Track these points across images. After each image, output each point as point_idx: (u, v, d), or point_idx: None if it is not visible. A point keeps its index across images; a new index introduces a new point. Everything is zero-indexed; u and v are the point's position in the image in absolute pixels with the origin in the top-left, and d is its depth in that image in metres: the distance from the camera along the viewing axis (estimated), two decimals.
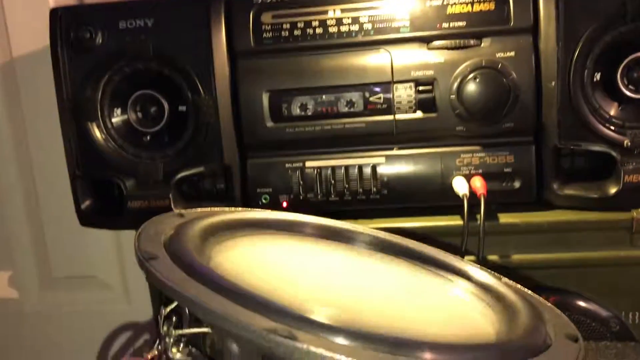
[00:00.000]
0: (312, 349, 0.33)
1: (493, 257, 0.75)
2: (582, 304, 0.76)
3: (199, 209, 0.54)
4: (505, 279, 0.52)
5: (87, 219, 0.83)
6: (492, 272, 0.53)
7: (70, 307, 1.11)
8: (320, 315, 0.36)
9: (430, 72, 0.75)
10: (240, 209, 0.56)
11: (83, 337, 1.08)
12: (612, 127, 0.73)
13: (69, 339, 1.11)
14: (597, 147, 0.73)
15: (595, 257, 0.74)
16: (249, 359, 0.37)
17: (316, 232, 0.57)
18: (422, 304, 0.47)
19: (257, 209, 0.58)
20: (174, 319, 0.43)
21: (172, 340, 0.41)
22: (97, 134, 0.80)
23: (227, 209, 0.55)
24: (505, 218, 0.75)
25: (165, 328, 0.43)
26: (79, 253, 1.08)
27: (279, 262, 0.50)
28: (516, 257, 0.75)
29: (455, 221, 0.76)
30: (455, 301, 0.49)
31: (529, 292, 0.50)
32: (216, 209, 0.55)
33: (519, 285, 0.51)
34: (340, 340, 0.35)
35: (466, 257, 0.66)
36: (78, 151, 0.81)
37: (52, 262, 1.12)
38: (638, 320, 0.75)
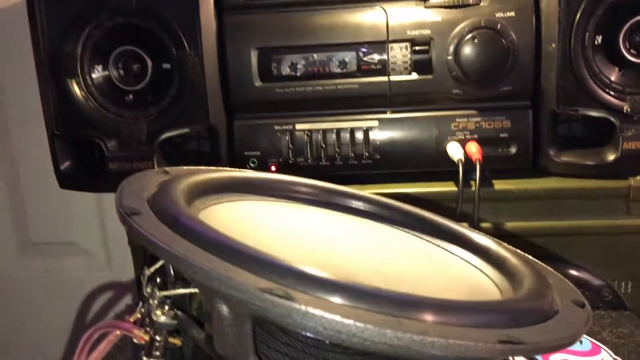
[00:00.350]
0: (311, 310, 0.30)
1: (486, 224, 0.73)
2: (574, 272, 0.74)
3: (184, 167, 0.51)
4: (506, 245, 0.50)
5: (67, 180, 0.80)
6: (493, 237, 0.50)
7: (50, 273, 1.08)
8: (316, 275, 0.33)
9: (426, 32, 0.72)
10: (229, 168, 0.53)
11: (62, 304, 1.05)
12: (612, 93, 0.71)
13: (48, 305, 1.08)
14: (596, 113, 0.71)
15: (590, 225, 0.73)
16: (239, 321, 0.34)
17: (309, 194, 0.54)
18: (423, 267, 0.45)
19: (247, 170, 0.55)
20: (158, 280, 0.41)
21: (156, 302, 0.39)
22: (77, 91, 0.76)
23: (214, 168, 0.52)
24: (500, 184, 0.73)
25: (148, 289, 0.40)
26: (58, 218, 1.05)
27: (270, 225, 0.47)
28: (510, 224, 0.73)
29: (449, 187, 0.74)
30: (456, 265, 0.47)
31: (531, 257, 0.48)
32: (203, 167, 0.52)
33: (520, 251, 0.49)
34: (340, 300, 0.32)
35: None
36: (57, 109, 0.77)
37: (31, 228, 1.08)
38: (631, 289, 0.74)
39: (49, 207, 1.04)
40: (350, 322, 0.30)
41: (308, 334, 0.32)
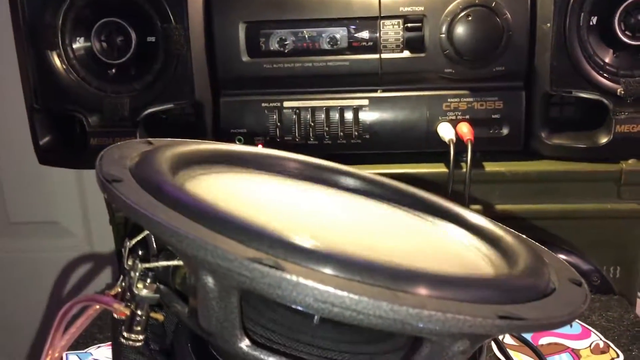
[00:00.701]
0: (302, 280, 0.29)
1: (477, 206, 0.72)
2: (564, 257, 0.73)
3: (169, 139, 0.49)
4: (500, 224, 0.48)
5: (47, 156, 0.77)
6: (485, 216, 0.49)
7: (30, 253, 1.05)
8: (308, 245, 0.32)
9: (420, 9, 0.70)
10: (215, 142, 0.51)
11: (42, 285, 1.03)
12: (606, 75, 0.70)
13: (28, 286, 1.05)
14: (589, 95, 0.70)
15: (581, 209, 0.72)
16: (225, 294, 0.32)
17: (298, 170, 0.52)
18: (416, 244, 0.44)
19: (234, 144, 0.53)
20: (139, 252, 0.39)
21: (137, 274, 0.37)
22: (58, 63, 0.73)
23: (200, 140, 0.50)
24: (491, 166, 0.72)
25: (129, 262, 0.38)
26: (38, 197, 1.02)
27: (258, 198, 0.45)
28: (500, 206, 0.72)
29: (439, 168, 0.72)
30: (450, 242, 0.45)
31: (524, 237, 0.47)
32: (189, 140, 0.50)
33: (514, 231, 0.47)
34: (333, 272, 0.31)
35: None
36: (36, 82, 0.74)
37: (10, 207, 1.05)
38: (619, 274, 0.73)
39: (28, 185, 1.01)
40: (344, 293, 0.29)
41: (298, 308, 0.30)
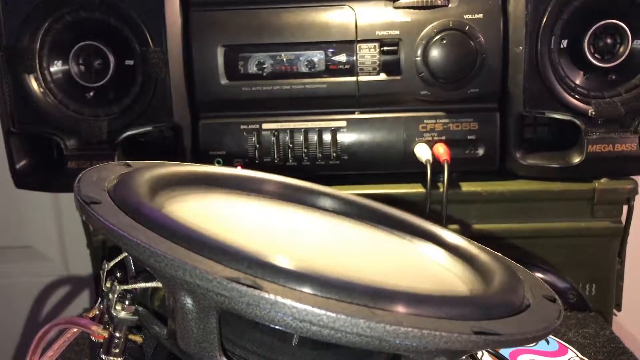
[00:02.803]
0: (280, 299, 0.29)
1: (454, 226, 0.72)
2: (540, 275, 0.74)
3: (147, 161, 0.49)
4: (475, 243, 0.49)
5: (23, 180, 0.77)
6: (461, 235, 0.50)
7: (4, 279, 1.03)
8: (285, 265, 0.32)
9: (395, 32, 0.72)
10: (192, 164, 0.51)
11: (17, 309, 1.01)
12: (577, 96, 0.71)
13: (3, 310, 1.04)
14: (562, 116, 0.72)
15: (555, 227, 0.73)
16: (204, 315, 0.32)
17: (276, 191, 0.52)
18: (392, 264, 0.44)
19: (212, 165, 0.53)
20: (118, 274, 0.39)
21: (115, 296, 0.37)
22: (35, 87, 0.73)
23: (178, 162, 0.51)
24: (467, 186, 0.73)
25: (107, 284, 0.38)
26: (13, 221, 1.01)
27: (235, 219, 0.46)
28: (477, 226, 0.73)
29: (417, 189, 0.73)
30: (425, 261, 0.46)
31: (500, 254, 0.48)
32: (166, 162, 0.50)
33: (489, 249, 0.48)
34: (311, 291, 0.31)
35: None
36: (13, 105, 0.73)
37: None
38: (595, 291, 0.74)
39: (3, 208, 1.00)
40: (322, 312, 0.29)
41: (277, 327, 0.30)
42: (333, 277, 0.32)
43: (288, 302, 0.29)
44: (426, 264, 0.45)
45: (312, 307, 0.29)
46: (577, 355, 0.59)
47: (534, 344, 0.61)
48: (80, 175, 0.40)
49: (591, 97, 0.71)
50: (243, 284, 0.29)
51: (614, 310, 0.77)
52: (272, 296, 0.29)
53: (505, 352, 0.58)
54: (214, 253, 0.32)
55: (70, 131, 0.73)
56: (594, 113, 0.70)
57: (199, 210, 0.43)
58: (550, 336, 0.62)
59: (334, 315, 0.29)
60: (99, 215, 0.34)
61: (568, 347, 0.60)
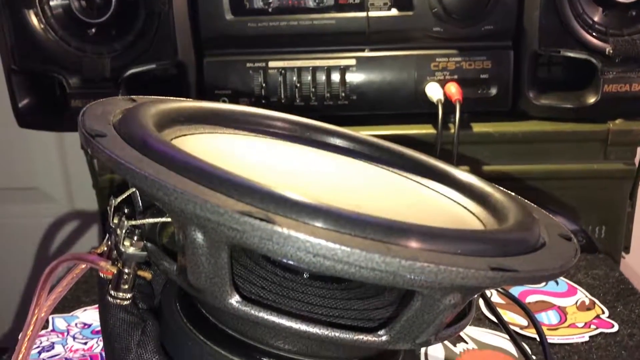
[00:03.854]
0: (294, 233, 0.28)
1: (465, 167, 0.71)
2: None
3: (152, 96, 0.47)
4: (488, 182, 0.48)
5: (26, 119, 0.75)
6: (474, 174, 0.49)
7: (10, 219, 1.03)
8: (298, 199, 0.31)
9: None
10: (200, 100, 0.50)
11: (24, 249, 1.02)
12: (595, 34, 0.69)
13: (11, 250, 1.04)
14: (577, 54, 0.69)
15: (567, 169, 0.72)
16: (215, 250, 0.32)
17: (286, 129, 0.51)
18: (404, 203, 0.43)
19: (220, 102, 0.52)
20: (125, 210, 0.38)
21: (123, 232, 0.36)
22: (35, 22, 0.71)
23: (185, 99, 0.49)
24: (478, 127, 0.72)
25: (115, 220, 0.37)
26: (18, 162, 1.00)
27: (245, 157, 0.44)
28: (488, 167, 0.72)
29: (427, 129, 0.72)
30: (438, 199, 0.45)
31: (513, 194, 0.47)
32: (173, 98, 0.48)
33: (502, 188, 0.47)
34: (324, 226, 0.30)
35: None
36: (13, 42, 0.72)
37: None
38: (604, 234, 0.74)
39: (7, 149, 0.99)
40: (337, 246, 0.28)
41: (289, 262, 0.30)
42: (347, 212, 0.31)
43: (302, 236, 0.28)
44: (439, 202, 0.44)
45: (327, 242, 0.28)
46: (586, 296, 0.59)
47: (543, 284, 0.61)
48: (84, 109, 0.39)
49: (609, 35, 0.69)
50: (256, 218, 0.28)
51: (623, 254, 0.77)
52: (285, 230, 0.28)
53: (514, 292, 0.58)
54: (225, 187, 0.31)
55: (72, 69, 0.72)
56: (611, 51, 0.68)
57: (207, 148, 0.42)
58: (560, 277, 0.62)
59: (348, 249, 0.28)
60: (105, 148, 0.33)
61: (577, 288, 0.60)
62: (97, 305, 0.59)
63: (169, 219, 0.35)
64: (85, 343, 0.54)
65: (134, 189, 0.39)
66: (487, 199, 0.44)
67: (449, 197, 0.46)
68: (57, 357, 0.52)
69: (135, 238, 0.36)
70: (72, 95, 0.72)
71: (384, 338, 0.34)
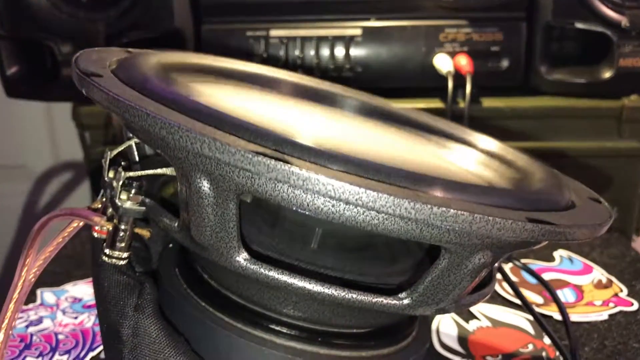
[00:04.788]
0: (314, 175, 0.25)
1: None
2: None
3: (151, 50, 0.44)
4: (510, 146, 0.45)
5: (15, 88, 0.72)
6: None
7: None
8: (315, 144, 0.28)
9: None
10: (202, 54, 0.47)
11: (12, 230, 0.98)
12: (611, 5, 0.66)
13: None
14: (592, 27, 0.67)
15: (580, 147, 0.69)
16: (223, 199, 0.29)
17: (297, 89, 0.48)
18: (425, 159, 0.40)
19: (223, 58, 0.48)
20: (122, 163, 0.35)
21: (120, 184, 0.33)
22: None
23: (186, 53, 0.46)
24: (489, 102, 0.69)
25: (110, 174, 0.34)
26: (5, 139, 0.96)
27: (254, 108, 0.41)
28: None
29: (435, 104, 0.69)
30: (462, 159, 0.42)
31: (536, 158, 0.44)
32: (173, 51, 0.45)
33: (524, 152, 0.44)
34: (345, 170, 0.27)
35: None
36: (2, 6, 0.68)
37: None
38: (617, 213, 0.71)
39: None
40: (361, 189, 0.25)
41: (305, 212, 0.27)
42: (369, 160, 0.28)
43: (322, 177, 0.25)
44: (463, 162, 0.42)
45: (351, 184, 0.25)
46: (603, 274, 0.56)
47: (557, 261, 0.58)
48: (77, 54, 0.36)
49: (625, 7, 0.66)
50: (271, 157, 0.25)
51: (634, 236, 0.74)
52: (304, 171, 0.25)
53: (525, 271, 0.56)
54: (234, 129, 0.28)
55: (64, 36, 0.68)
56: (627, 24, 0.66)
57: (212, 96, 0.39)
58: (574, 255, 0.59)
59: (374, 193, 0.25)
60: (102, 86, 0.29)
61: (593, 266, 0.57)
62: (89, 279, 0.56)
63: (169, 171, 0.32)
64: (76, 317, 0.51)
65: (131, 142, 0.36)
66: (511, 162, 0.41)
67: (472, 158, 0.43)
68: (45, 331, 0.49)
69: (133, 191, 0.33)
70: (64, 64, 0.69)
71: (405, 301, 0.31)
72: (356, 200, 0.25)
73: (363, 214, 0.26)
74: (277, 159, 0.25)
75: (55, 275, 0.56)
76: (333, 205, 0.26)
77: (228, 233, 0.30)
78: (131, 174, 0.33)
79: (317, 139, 0.29)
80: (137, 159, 0.35)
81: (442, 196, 0.28)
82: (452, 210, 0.26)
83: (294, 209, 0.27)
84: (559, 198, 0.33)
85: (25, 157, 0.97)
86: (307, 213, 0.27)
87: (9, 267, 0.98)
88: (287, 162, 0.26)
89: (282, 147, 0.27)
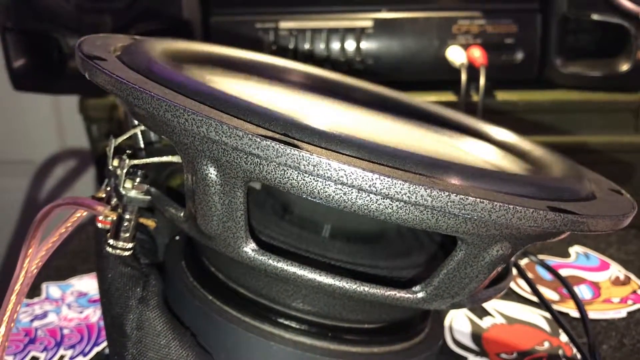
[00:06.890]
0: (325, 159, 0.24)
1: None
2: None
3: (157, 38, 0.43)
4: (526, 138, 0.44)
5: (21, 81, 0.71)
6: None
7: (4, 195, 0.99)
8: (326, 129, 0.27)
9: None
10: (209, 43, 0.46)
11: (20, 225, 0.97)
12: None
13: (4, 228, 1.00)
14: (609, 18, 0.65)
15: (596, 141, 0.68)
16: (230, 188, 0.28)
17: (306, 80, 0.47)
18: (440, 150, 0.39)
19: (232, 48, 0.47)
20: (127, 151, 0.34)
21: (124, 171, 0.32)
22: None
23: (193, 42, 0.45)
24: (503, 95, 0.68)
25: (115, 163, 0.33)
26: (13, 134, 0.96)
27: (262, 99, 0.40)
28: None
29: (448, 97, 0.67)
30: (476, 151, 0.41)
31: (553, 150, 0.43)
32: (179, 39, 0.44)
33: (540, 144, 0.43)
34: (357, 155, 0.26)
35: None
36: None
37: None
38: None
39: (2, 121, 0.94)
40: (375, 175, 0.24)
41: (315, 200, 0.25)
42: (381, 146, 0.27)
43: (334, 163, 0.24)
44: (479, 152, 0.40)
45: (363, 170, 0.24)
46: (620, 271, 0.55)
47: (573, 257, 0.57)
48: (81, 39, 0.35)
49: None
50: (280, 142, 0.24)
51: None
52: (315, 156, 0.24)
53: (540, 267, 0.54)
54: (242, 113, 0.27)
55: (71, 27, 0.67)
56: None
57: (220, 83, 0.38)
58: (590, 251, 0.58)
59: (389, 179, 0.24)
60: (106, 70, 0.28)
61: (610, 263, 0.56)
62: (94, 273, 0.55)
63: (175, 159, 0.31)
64: (81, 312, 0.50)
65: (137, 130, 0.35)
66: (528, 153, 0.40)
67: (487, 151, 0.42)
68: (50, 325, 0.48)
69: (138, 180, 0.32)
70: (70, 56, 0.68)
71: (419, 295, 0.30)
72: (369, 187, 0.24)
73: (376, 201, 0.25)
74: (286, 143, 0.24)
75: (60, 270, 0.55)
76: (345, 193, 0.25)
77: (235, 222, 0.29)
78: (136, 161, 0.32)
79: (328, 125, 0.28)
80: (142, 146, 0.34)
81: (460, 183, 0.26)
82: (470, 197, 0.24)
83: (304, 196, 0.26)
84: (579, 188, 0.32)
85: (33, 150, 0.97)
86: (317, 201, 0.26)
87: (14, 258, 0.97)
88: (297, 146, 0.24)
89: (292, 131, 0.26)
